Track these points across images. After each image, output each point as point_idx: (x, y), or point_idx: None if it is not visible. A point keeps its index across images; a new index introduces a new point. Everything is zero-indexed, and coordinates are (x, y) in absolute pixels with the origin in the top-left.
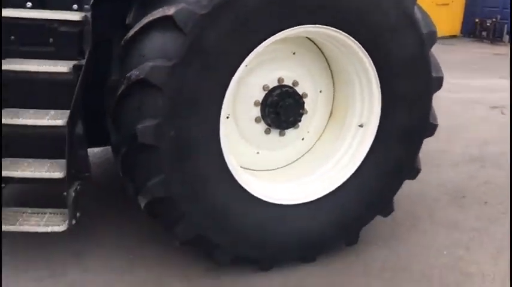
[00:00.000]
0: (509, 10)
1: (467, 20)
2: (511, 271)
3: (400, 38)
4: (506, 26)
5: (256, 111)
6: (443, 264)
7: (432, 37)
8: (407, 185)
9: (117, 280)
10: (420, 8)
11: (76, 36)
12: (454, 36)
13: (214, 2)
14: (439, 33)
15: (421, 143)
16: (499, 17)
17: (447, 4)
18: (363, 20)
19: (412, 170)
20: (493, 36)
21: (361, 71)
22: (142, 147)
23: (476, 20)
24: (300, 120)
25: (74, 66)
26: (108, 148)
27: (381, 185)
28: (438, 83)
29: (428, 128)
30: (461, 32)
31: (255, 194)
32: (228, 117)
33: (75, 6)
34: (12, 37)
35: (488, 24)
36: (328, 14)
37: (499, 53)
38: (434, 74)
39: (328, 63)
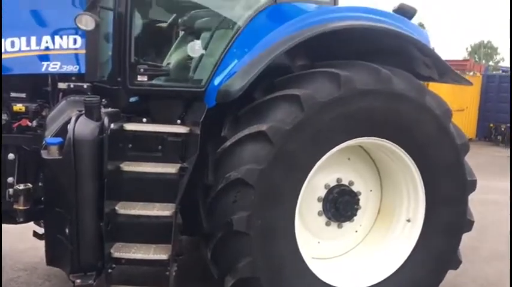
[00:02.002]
0: None
1: (482, 124)
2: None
3: (439, 147)
4: None
5: (319, 206)
6: None
7: (465, 147)
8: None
9: None
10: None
11: (180, 144)
12: (470, 140)
13: (296, 120)
14: None
15: (461, 237)
16: None
17: (463, 110)
18: (409, 134)
19: (454, 261)
20: (508, 141)
21: (407, 174)
22: (236, 233)
23: (491, 125)
24: (355, 215)
25: (180, 168)
26: None
27: (427, 275)
28: (472, 185)
29: (466, 224)
30: (477, 136)
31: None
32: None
33: (178, 121)
34: (130, 145)
35: (502, 129)
36: (383, 129)
37: None
38: (469, 178)
39: (376, 166)
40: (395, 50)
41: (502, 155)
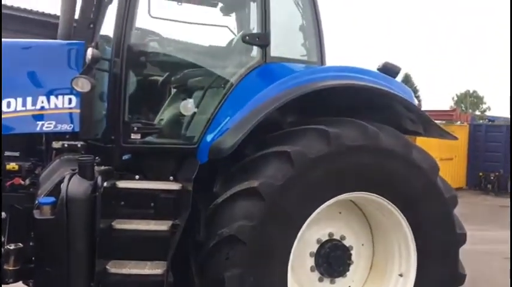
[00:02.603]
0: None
1: (471, 173)
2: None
3: (428, 202)
4: (509, 179)
5: (311, 261)
6: None
7: (454, 200)
8: None
9: None
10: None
11: (172, 201)
12: (460, 189)
13: (287, 176)
14: None
15: None
16: (502, 171)
17: (451, 159)
18: (398, 189)
19: None
20: (498, 189)
21: (398, 228)
22: None
23: (480, 174)
24: (348, 270)
25: (172, 225)
26: None
27: None
28: (462, 238)
29: (458, 277)
30: (467, 185)
31: None
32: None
33: (171, 178)
34: (123, 202)
35: (492, 177)
36: (372, 184)
37: (505, 205)
38: (458, 231)
39: (367, 220)
40: (382, 106)
41: (492, 203)
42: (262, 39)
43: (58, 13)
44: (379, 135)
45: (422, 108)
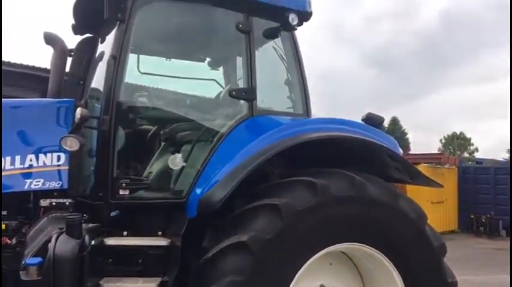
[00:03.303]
0: (502, 207)
1: (462, 216)
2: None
3: (417, 251)
4: (501, 221)
5: None
6: None
7: (443, 248)
8: None
9: None
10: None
11: (161, 257)
12: (452, 231)
13: (276, 229)
14: (438, 229)
15: None
16: (492, 213)
17: (442, 202)
18: (387, 239)
19: None
20: (490, 231)
21: (388, 278)
22: None
23: (472, 216)
24: None
25: (161, 282)
26: None
27: None
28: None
29: None
30: (459, 227)
31: None
32: None
33: (159, 233)
34: (111, 260)
35: (483, 220)
36: (361, 234)
37: (497, 248)
38: (449, 280)
39: (358, 270)
40: (367, 156)
41: (484, 246)
42: (248, 94)
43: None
44: (366, 186)
45: (411, 152)
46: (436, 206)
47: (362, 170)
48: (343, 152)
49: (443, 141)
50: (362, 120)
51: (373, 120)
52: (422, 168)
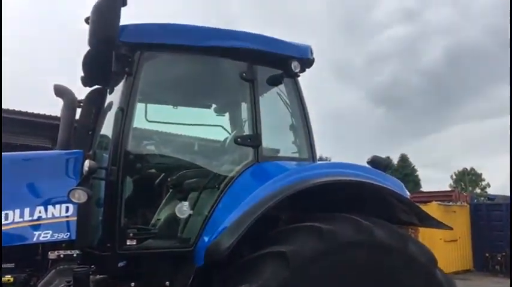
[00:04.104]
0: None
1: (477, 254)
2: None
3: None
4: None
5: None
6: None
7: None
8: None
9: None
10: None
11: None
12: (468, 271)
13: (283, 277)
14: (453, 269)
15: None
16: (508, 251)
17: (455, 240)
18: (396, 284)
19: None
20: (506, 270)
21: None
22: None
23: (487, 255)
24: None
25: None
26: None
27: None
28: None
29: None
30: (474, 267)
31: None
32: None
33: (167, 283)
34: None
35: (499, 258)
36: (369, 280)
37: None
38: None
39: None
40: (374, 200)
41: (502, 286)
42: (253, 140)
43: None
44: (374, 230)
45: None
46: (449, 244)
47: (370, 214)
48: (349, 196)
49: (454, 177)
50: (367, 163)
51: (378, 163)
52: (433, 207)
